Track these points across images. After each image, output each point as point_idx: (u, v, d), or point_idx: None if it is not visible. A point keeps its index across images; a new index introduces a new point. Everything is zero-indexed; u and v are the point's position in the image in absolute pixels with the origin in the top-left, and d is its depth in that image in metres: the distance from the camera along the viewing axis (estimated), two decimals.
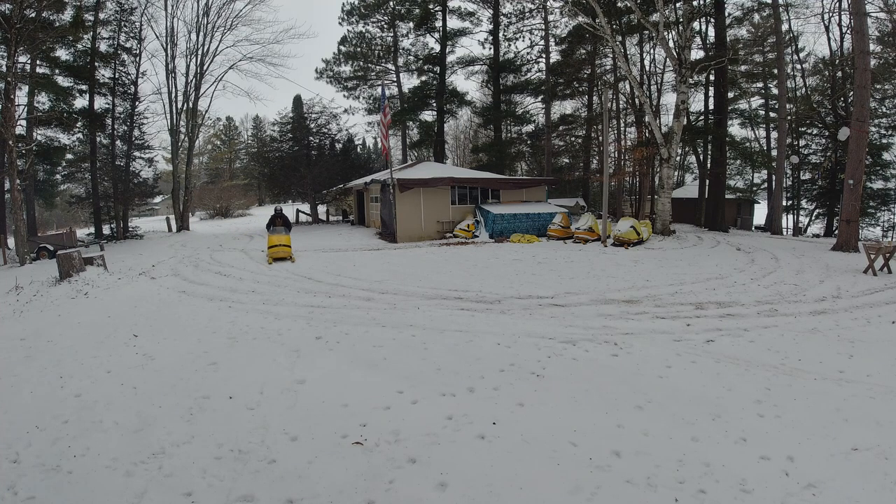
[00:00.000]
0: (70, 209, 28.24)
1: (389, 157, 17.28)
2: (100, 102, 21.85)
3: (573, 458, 3.27)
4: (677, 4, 18.34)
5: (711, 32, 21.75)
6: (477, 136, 39.90)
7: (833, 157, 23.54)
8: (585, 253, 13.04)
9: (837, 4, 21.25)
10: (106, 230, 21.84)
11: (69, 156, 23.09)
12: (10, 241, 16.82)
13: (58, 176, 24.17)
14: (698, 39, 22.22)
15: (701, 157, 24.36)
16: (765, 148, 29.55)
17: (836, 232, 17.03)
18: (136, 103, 22.78)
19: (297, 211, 27.14)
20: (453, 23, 28.75)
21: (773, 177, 23.27)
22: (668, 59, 19.17)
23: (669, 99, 36.83)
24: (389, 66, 30.88)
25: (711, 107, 22.30)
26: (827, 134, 24.02)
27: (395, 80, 31.32)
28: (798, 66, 25.67)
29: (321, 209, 27.18)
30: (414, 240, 16.76)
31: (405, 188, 16.53)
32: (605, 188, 15.89)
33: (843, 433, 3.53)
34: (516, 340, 5.75)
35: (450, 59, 29.43)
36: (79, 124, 21.29)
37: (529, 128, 32.03)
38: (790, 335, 5.82)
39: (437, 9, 27.72)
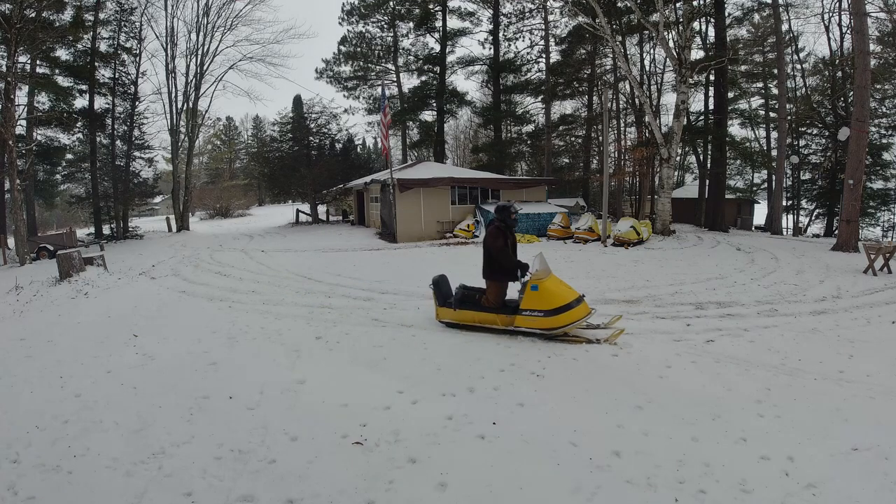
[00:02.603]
0: (70, 209, 28.26)
1: (389, 157, 17.30)
2: (100, 102, 21.90)
3: (573, 458, 3.27)
4: (677, 4, 18.34)
5: (711, 32, 21.77)
6: (477, 136, 39.88)
7: (833, 157, 23.51)
8: (585, 253, 13.04)
9: (837, 4, 21.28)
10: (106, 230, 21.84)
11: (69, 156, 23.12)
12: (10, 241, 16.81)
13: (58, 176, 24.18)
14: (698, 39, 22.24)
15: (701, 157, 24.36)
16: (765, 148, 29.54)
17: (836, 232, 17.01)
18: (136, 103, 22.82)
19: (297, 211, 27.15)
20: (453, 23, 28.78)
21: (773, 177, 23.26)
22: (668, 59, 19.17)
23: (669, 99, 36.63)
24: (389, 66, 30.87)
25: (711, 107, 22.29)
26: (827, 134, 24.01)
27: (395, 80, 31.31)
28: (798, 66, 25.68)
29: (321, 209, 27.21)
30: (414, 240, 16.75)
31: (405, 188, 16.53)
32: (605, 188, 15.89)
33: (843, 433, 3.53)
34: (516, 340, 5.75)
35: (450, 59, 29.46)
36: (79, 124, 21.31)
37: (529, 128, 32.01)
38: (790, 335, 5.82)
39: (437, 9, 27.71)
